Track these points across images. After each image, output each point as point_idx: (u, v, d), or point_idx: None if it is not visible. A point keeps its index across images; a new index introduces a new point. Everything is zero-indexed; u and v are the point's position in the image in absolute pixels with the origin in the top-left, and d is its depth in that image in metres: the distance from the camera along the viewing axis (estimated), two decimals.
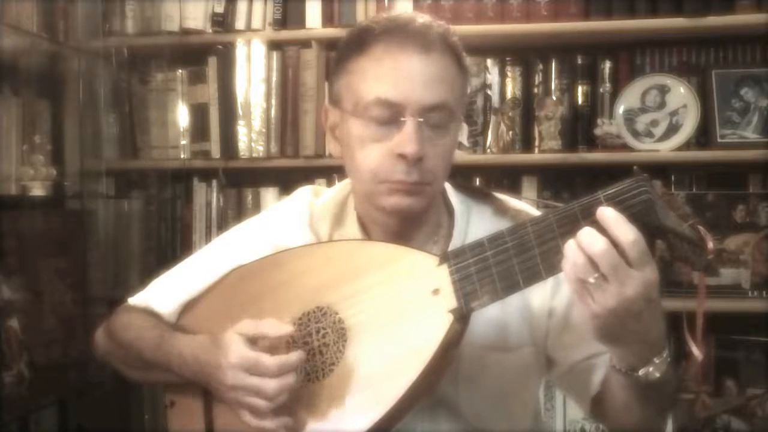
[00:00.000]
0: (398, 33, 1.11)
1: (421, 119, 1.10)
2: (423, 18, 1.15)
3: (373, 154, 1.12)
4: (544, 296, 1.21)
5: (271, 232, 1.28)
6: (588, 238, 0.92)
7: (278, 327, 1.08)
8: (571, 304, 1.18)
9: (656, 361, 0.99)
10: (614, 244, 0.91)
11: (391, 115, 1.10)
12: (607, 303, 0.92)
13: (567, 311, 1.19)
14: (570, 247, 0.93)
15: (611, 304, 0.92)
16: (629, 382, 1.03)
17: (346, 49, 1.17)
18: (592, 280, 0.92)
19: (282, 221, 1.29)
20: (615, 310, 0.92)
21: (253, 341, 1.08)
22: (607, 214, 0.92)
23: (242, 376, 1.06)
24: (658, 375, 0.99)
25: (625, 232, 0.91)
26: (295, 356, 1.06)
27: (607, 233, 0.92)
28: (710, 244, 0.93)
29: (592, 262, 0.91)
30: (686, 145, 2.19)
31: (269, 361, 1.05)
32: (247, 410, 1.07)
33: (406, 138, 1.09)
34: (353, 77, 1.14)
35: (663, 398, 1.07)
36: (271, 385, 1.04)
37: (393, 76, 1.10)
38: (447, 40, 1.13)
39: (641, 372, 0.99)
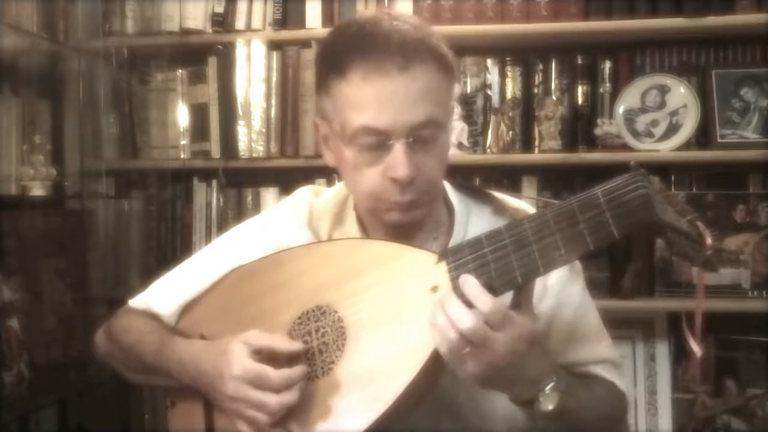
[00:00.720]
0: (375, 52, 1.06)
1: (410, 139, 1.07)
2: (397, 25, 1.09)
3: (367, 177, 1.11)
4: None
5: (271, 232, 1.27)
6: (457, 315, 0.96)
7: (289, 343, 1.08)
8: (554, 314, 1.19)
9: (546, 392, 1.02)
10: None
11: (380, 141, 1.08)
12: (481, 364, 0.97)
13: (550, 320, 1.19)
14: (441, 324, 0.97)
15: (485, 364, 0.97)
16: (531, 414, 1.05)
17: (325, 68, 1.12)
18: (466, 351, 0.96)
19: (282, 221, 1.28)
20: (489, 367, 0.97)
21: (257, 352, 1.07)
22: (465, 283, 0.98)
23: (244, 389, 1.05)
24: (551, 407, 1.01)
25: (483, 302, 0.96)
26: (299, 370, 1.05)
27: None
28: (708, 240, 0.93)
29: (464, 337, 0.95)
30: (686, 145, 2.19)
31: (274, 374, 1.04)
32: (246, 422, 1.06)
33: (397, 162, 1.07)
34: (337, 101, 1.10)
35: (586, 423, 1.10)
36: (273, 400, 1.03)
37: (375, 103, 1.06)
38: (426, 45, 1.08)
39: (535, 405, 1.03)
